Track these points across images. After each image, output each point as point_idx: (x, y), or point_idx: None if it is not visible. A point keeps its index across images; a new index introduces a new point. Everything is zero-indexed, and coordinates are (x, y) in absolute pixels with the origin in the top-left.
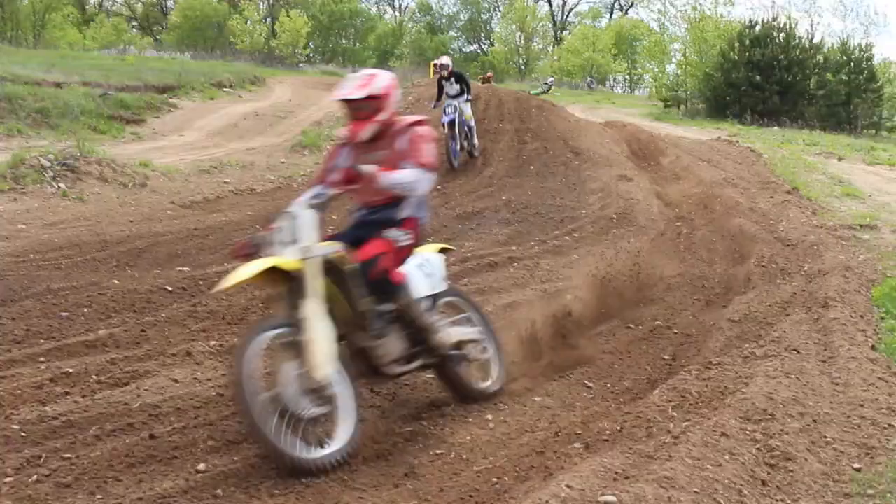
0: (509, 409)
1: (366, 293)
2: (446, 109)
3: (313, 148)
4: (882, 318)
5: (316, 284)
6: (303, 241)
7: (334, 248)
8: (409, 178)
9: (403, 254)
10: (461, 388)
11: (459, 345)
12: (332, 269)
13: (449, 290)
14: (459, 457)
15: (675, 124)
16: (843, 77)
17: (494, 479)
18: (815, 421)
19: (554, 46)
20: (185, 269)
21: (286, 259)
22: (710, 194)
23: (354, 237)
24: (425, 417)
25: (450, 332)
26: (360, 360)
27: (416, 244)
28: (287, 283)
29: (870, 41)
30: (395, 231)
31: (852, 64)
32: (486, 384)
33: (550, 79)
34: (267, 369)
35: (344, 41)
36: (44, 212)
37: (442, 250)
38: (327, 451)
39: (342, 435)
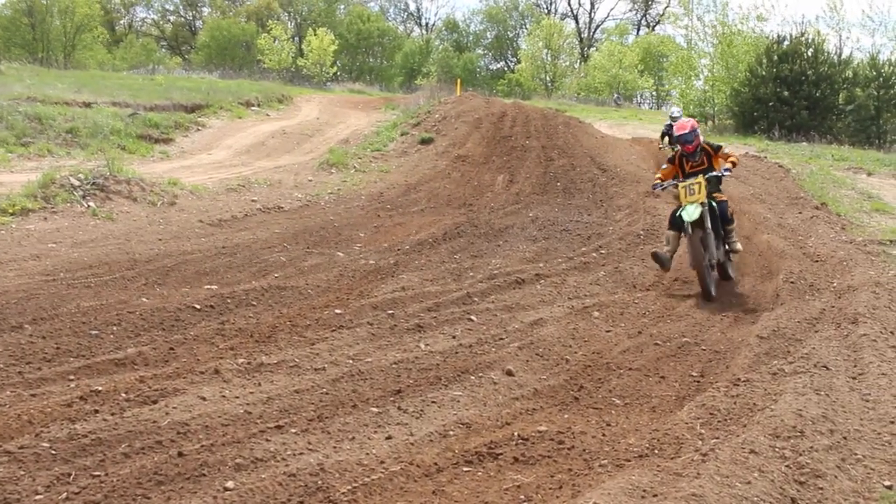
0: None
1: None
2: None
3: (340, 166)
4: None
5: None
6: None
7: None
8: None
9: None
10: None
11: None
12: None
13: None
14: (487, 474)
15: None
16: (873, 92)
17: (522, 497)
18: (844, 438)
19: (581, 63)
20: (213, 287)
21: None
22: (738, 210)
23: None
24: (452, 434)
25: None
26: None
27: None
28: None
29: None
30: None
31: (882, 79)
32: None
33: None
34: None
35: (371, 59)
36: (74, 231)
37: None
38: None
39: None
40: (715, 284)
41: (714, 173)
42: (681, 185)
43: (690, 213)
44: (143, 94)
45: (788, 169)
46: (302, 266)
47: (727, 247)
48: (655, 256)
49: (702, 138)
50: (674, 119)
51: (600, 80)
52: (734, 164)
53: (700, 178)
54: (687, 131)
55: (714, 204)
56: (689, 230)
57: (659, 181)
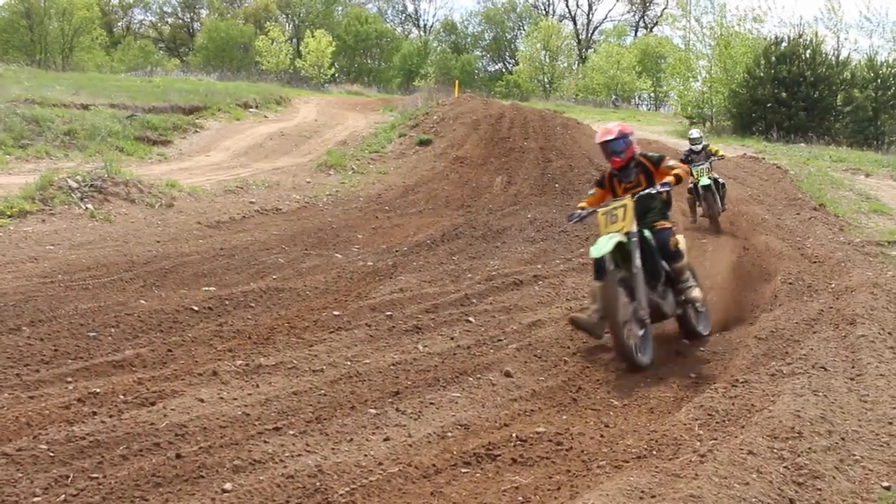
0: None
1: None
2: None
3: (338, 168)
4: None
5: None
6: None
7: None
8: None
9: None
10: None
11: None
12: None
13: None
14: (486, 476)
15: None
16: (871, 93)
17: (520, 498)
18: (843, 439)
19: (579, 65)
20: (211, 288)
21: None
22: (736, 211)
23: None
24: (451, 436)
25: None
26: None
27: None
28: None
29: None
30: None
31: (879, 80)
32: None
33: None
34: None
35: (369, 61)
36: (71, 232)
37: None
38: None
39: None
40: (648, 345)
41: (647, 190)
42: (600, 210)
43: (601, 245)
44: (141, 96)
45: (786, 170)
46: (300, 268)
47: (682, 296)
48: (576, 323)
49: (637, 149)
50: (693, 142)
51: (598, 82)
52: (678, 177)
53: (626, 200)
54: (613, 137)
55: (648, 233)
56: (608, 266)
57: (580, 210)
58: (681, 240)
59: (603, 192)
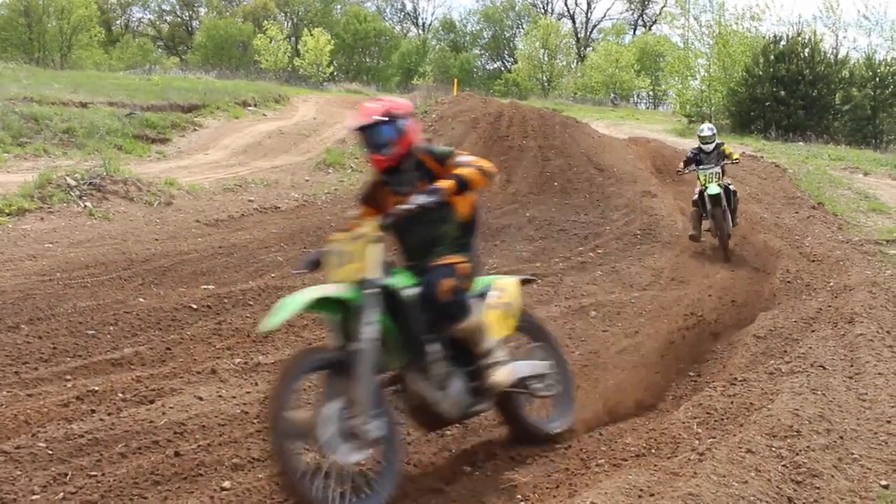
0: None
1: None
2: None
3: (337, 166)
4: None
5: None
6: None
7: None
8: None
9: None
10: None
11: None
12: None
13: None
14: (484, 474)
15: None
16: (869, 92)
17: (519, 497)
18: (841, 437)
19: (577, 63)
20: (209, 286)
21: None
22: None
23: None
24: (449, 434)
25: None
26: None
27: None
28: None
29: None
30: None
31: (878, 79)
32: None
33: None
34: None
35: (368, 60)
36: (70, 231)
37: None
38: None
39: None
40: (387, 475)
41: (398, 208)
42: (332, 247)
43: (286, 305)
44: (139, 94)
45: (785, 169)
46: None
47: (481, 383)
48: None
49: (418, 139)
50: (704, 140)
51: (597, 80)
52: (461, 180)
53: (366, 228)
54: (372, 121)
55: (399, 280)
56: (336, 341)
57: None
58: (508, 286)
59: (370, 210)
